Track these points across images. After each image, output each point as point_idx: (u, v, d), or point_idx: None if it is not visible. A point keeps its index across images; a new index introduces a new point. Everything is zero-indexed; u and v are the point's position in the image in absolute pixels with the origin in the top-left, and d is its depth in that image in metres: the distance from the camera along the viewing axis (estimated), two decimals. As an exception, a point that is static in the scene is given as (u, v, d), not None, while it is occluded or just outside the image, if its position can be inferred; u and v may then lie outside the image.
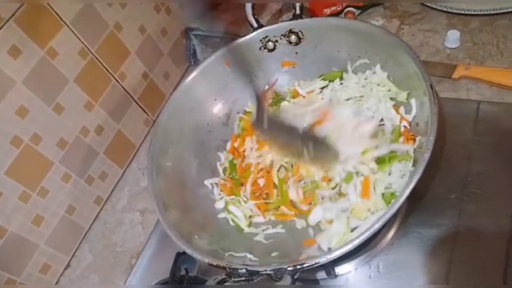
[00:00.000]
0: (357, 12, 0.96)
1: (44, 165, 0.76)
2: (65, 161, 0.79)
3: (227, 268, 0.55)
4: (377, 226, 0.51)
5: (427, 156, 0.53)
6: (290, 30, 0.78)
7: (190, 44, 1.04)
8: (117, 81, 0.87)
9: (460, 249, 0.62)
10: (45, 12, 0.72)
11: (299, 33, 0.78)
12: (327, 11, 0.95)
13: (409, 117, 0.67)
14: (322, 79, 0.79)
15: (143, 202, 0.88)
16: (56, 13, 0.73)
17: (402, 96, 0.68)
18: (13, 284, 0.73)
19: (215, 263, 0.57)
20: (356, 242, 0.51)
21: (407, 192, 0.52)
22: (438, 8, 0.90)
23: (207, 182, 0.76)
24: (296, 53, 0.80)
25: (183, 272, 0.71)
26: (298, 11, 0.77)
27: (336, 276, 0.65)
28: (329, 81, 0.78)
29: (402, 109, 0.68)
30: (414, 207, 0.68)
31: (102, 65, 0.83)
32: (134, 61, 0.90)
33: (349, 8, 0.95)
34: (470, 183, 0.67)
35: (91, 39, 0.80)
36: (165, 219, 0.63)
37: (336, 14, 0.96)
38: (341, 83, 0.77)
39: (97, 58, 0.82)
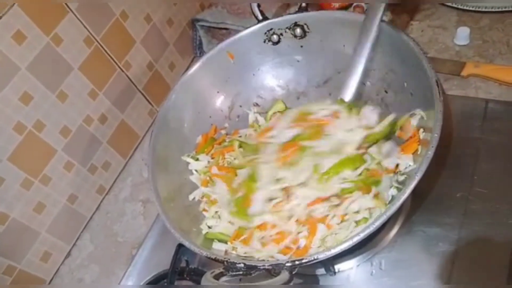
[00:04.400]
0: (366, 6, 0.95)
1: (47, 153, 0.76)
2: (68, 149, 0.78)
3: (225, 262, 0.55)
4: (378, 224, 0.50)
5: (430, 153, 0.52)
6: (295, 23, 0.76)
7: (196, 35, 1.03)
8: (122, 70, 0.86)
9: (464, 249, 0.62)
10: (51, -2, 0.72)
11: (305, 26, 0.76)
12: (336, 4, 0.94)
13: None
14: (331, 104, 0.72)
15: (145, 193, 0.87)
16: (62, -1, 0.73)
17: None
18: (13, 270, 0.73)
19: (212, 257, 0.56)
20: (355, 240, 0.50)
21: (409, 190, 0.51)
22: (449, 4, 0.89)
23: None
24: (301, 46, 0.78)
25: (183, 264, 0.71)
26: (303, 4, 0.76)
27: (335, 273, 0.65)
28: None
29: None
30: (419, 205, 0.67)
31: (107, 53, 0.82)
32: (140, 50, 0.89)
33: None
34: (477, 182, 0.67)
35: (96, 27, 0.79)
36: (164, 211, 0.62)
37: (345, 8, 0.95)
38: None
39: (102, 46, 0.81)
